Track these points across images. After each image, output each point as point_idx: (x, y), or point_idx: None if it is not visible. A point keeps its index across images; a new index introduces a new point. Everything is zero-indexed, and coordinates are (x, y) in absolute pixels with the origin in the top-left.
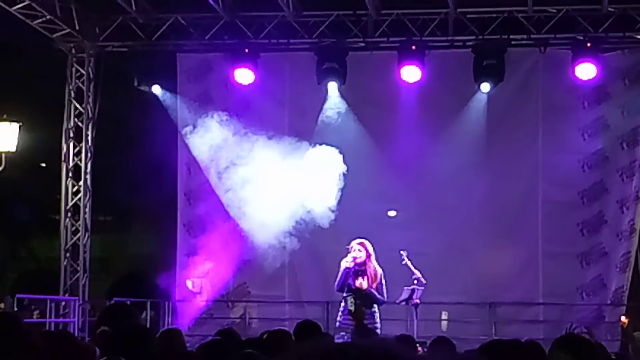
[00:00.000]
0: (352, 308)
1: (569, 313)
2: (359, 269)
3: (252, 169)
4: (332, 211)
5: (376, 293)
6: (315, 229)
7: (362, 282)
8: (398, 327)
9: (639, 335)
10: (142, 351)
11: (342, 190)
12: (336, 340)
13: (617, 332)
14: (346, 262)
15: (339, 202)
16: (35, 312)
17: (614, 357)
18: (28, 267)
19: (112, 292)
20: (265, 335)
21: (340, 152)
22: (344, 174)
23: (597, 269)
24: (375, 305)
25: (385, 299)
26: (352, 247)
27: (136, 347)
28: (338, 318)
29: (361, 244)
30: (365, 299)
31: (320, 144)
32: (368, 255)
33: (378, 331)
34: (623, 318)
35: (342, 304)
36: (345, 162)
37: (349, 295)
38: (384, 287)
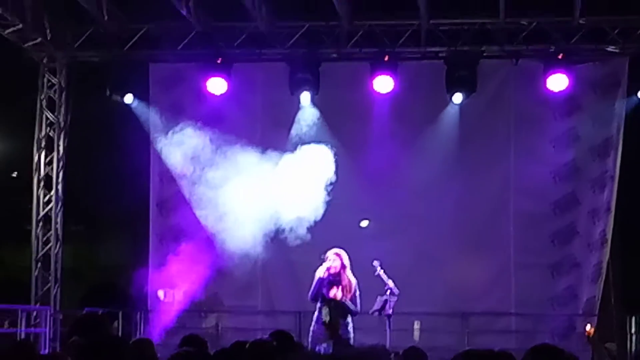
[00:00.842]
0: (327, 319)
1: (541, 323)
2: (333, 279)
3: (225, 179)
4: (307, 221)
5: (350, 304)
6: (288, 239)
7: (336, 293)
8: (371, 338)
9: (611, 346)
10: None
11: (329, 196)
12: (317, 351)
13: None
14: (320, 272)
15: (320, 212)
16: (6, 322)
17: None
18: None
19: (83, 302)
20: (247, 345)
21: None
22: (330, 183)
23: (568, 279)
24: (348, 316)
25: (359, 310)
26: (327, 257)
27: (110, 358)
28: (311, 328)
29: (337, 254)
30: (338, 309)
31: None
32: (343, 266)
33: (351, 342)
34: (588, 327)
35: (316, 313)
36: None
37: (323, 306)
38: (358, 298)
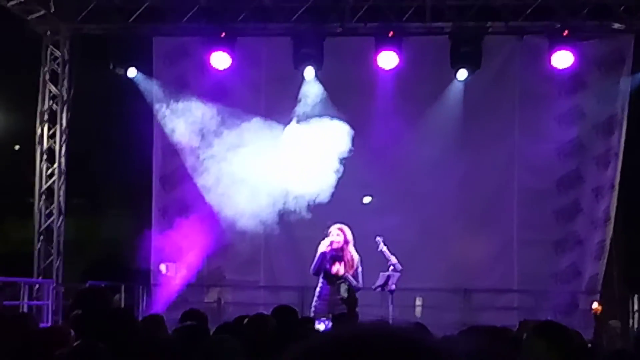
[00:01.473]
0: (345, 295)
1: (543, 300)
2: (336, 254)
3: (228, 153)
4: (310, 196)
5: (352, 279)
6: (291, 213)
7: (339, 268)
8: (373, 313)
9: (615, 324)
10: (125, 335)
11: (333, 172)
12: (317, 326)
13: (591, 320)
14: (323, 246)
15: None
16: (9, 295)
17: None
18: (1, 250)
19: (86, 275)
20: (246, 320)
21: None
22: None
23: (571, 256)
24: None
25: (361, 286)
26: (330, 232)
27: (119, 331)
28: (313, 303)
29: (340, 229)
30: (341, 284)
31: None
32: (346, 241)
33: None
34: (595, 305)
35: (318, 288)
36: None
37: (342, 283)
38: (360, 274)
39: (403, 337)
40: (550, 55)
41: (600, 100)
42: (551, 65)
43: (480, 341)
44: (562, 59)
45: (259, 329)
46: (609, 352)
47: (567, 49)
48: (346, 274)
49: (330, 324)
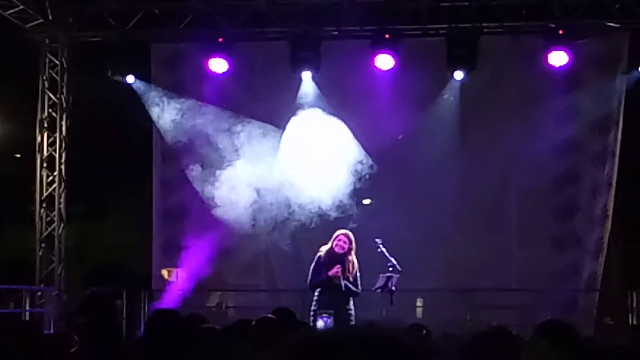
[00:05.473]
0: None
1: (543, 298)
2: (338, 258)
3: (227, 158)
4: (310, 200)
5: (351, 285)
6: (290, 216)
7: (337, 270)
8: (373, 314)
9: (607, 320)
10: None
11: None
12: (319, 322)
13: (591, 317)
14: (324, 249)
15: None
16: (11, 303)
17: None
18: (3, 257)
19: (88, 281)
20: (253, 322)
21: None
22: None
23: (570, 254)
24: (350, 300)
25: (360, 291)
26: (336, 236)
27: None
28: (312, 307)
29: (346, 234)
30: (341, 293)
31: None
32: (350, 248)
33: (352, 318)
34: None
35: (316, 293)
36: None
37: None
38: (359, 279)
39: (392, 341)
40: (546, 54)
41: (596, 98)
42: (547, 65)
43: (481, 345)
44: (558, 58)
45: (264, 330)
46: (612, 348)
47: (562, 48)
48: (344, 279)
49: (330, 320)
